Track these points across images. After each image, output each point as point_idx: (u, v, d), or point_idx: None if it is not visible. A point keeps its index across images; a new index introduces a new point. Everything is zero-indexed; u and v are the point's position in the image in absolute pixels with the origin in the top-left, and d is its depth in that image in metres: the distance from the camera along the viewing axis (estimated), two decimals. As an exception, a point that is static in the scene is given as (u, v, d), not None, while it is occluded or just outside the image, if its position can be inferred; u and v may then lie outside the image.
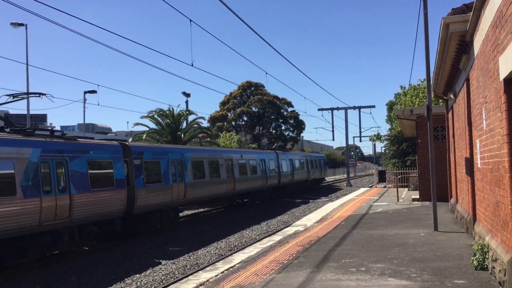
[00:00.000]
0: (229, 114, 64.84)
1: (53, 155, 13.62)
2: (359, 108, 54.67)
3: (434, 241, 11.48)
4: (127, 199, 16.42)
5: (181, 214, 22.72)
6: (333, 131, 59.40)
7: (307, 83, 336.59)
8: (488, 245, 8.18)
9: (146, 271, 12.33)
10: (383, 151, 72.14)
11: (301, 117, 68.32)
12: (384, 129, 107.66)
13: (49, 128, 15.00)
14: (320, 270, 8.84)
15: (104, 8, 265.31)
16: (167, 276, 11.69)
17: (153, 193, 18.13)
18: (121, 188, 16.13)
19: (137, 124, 40.08)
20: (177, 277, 11.32)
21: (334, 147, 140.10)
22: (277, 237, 13.97)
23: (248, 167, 28.62)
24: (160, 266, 12.95)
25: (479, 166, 9.42)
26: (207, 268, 10.64)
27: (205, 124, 48.22)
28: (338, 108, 54.20)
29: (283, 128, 68.09)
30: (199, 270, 10.75)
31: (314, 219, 17.41)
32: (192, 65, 22.46)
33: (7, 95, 15.76)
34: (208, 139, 43.77)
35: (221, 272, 9.55)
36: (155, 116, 38.64)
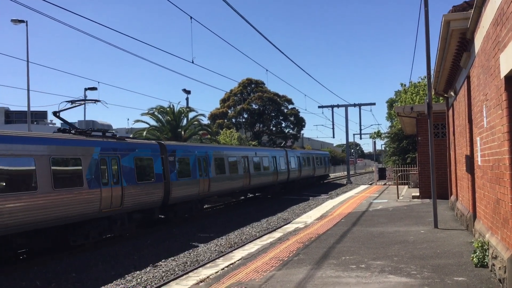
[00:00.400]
0: (229, 111, 64.80)
1: (109, 153, 16.01)
2: (360, 105, 54.70)
3: (434, 239, 11.49)
4: (164, 191, 18.84)
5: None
6: (333, 128, 59.70)
7: (307, 81, 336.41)
8: (488, 243, 8.19)
9: (147, 268, 12.34)
10: (383, 148, 72.17)
11: (301, 115, 68.29)
12: (385, 126, 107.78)
13: (101, 130, 17.80)
14: (320, 267, 8.85)
15: (105, 5, 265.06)
16: (167, 273, 11.70)
17: (184, 186, 20.55)
18: (159, 182, 18.58)
19: (137, 121, 40.08)
20: (177, 273, 11.33)
21: (334, 145, 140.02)
22: (277, 234, 13.98)
23: (262, 164, 30.91)
24: (160, 262, 12.97)
25: (479, 163, 9.42)
26: (208, 265, 10.64)
27: (205, 121, 48.26)
28: (338, 106, 54.17)
29: (283, 125, 68.06)
30: (199, 267, 10.75)
31: (314, 216, 17.42)
32: (192, 62, 22.42)
33: (66, 101, 17.85)
34: (209, 136, 43.73)
35: (222, 269, 9.55)
36: (156, 113, 38.61)
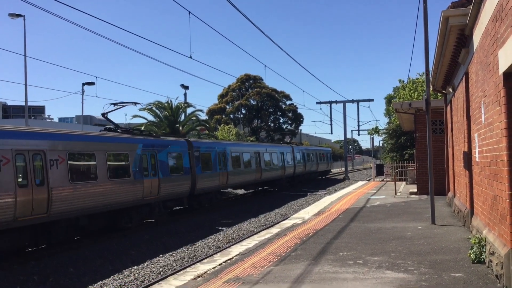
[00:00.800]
0: (227, 106, 64.76)
1: (148, 149, 18.43)
2: (358, 101, 54.65)
3: (431, 235, 11.52)
4: (191, 183, 21.38)
5: (175, 209, 23.11)
6: (331, 124, 59.60)
7: (305, 77, 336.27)
8: (485, 239, 8.21)
9: (144, 263, 12.35)
10: (381, 144, 72.14)
11: (299, 110, 68.36)
12: (383, 122, 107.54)
13: (138, 128, 21.64)
14: (317, 263, 8.86)
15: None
16: (165, 268, 11.70)
17: (206, 178, 23.19)
18: (187, 174, 21.20)
19: (135, 116, 39.96)
20: (175, 269, 11.34)
21: (332, 141, 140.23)
22: (275, 230, 13.99)
23: (271, 159, 33.38)
24: (158, 258, 12.97)
25: (477, 160, 9.43)
26: (205, 260, 10.65)
27: (203, 116, 48.21)
28: (336, 102, 54.16)
29: (281, 121, 68.07)
30: (197, 262, 10.77)
31: (312, 212, 17.43)
32: (190, 57, 22.32)
33: (110, 103, 19.73)
34: (207, 131, 43.68)
35: (219, 264, 9.56)
36: (154, 108, 38.51)
